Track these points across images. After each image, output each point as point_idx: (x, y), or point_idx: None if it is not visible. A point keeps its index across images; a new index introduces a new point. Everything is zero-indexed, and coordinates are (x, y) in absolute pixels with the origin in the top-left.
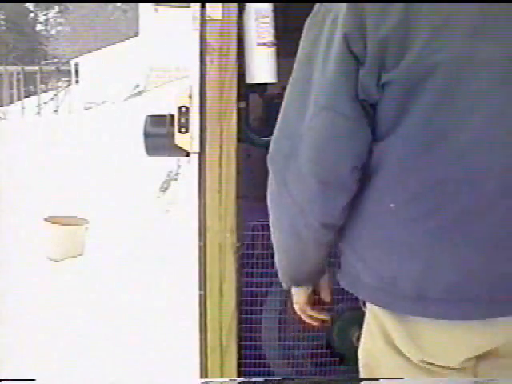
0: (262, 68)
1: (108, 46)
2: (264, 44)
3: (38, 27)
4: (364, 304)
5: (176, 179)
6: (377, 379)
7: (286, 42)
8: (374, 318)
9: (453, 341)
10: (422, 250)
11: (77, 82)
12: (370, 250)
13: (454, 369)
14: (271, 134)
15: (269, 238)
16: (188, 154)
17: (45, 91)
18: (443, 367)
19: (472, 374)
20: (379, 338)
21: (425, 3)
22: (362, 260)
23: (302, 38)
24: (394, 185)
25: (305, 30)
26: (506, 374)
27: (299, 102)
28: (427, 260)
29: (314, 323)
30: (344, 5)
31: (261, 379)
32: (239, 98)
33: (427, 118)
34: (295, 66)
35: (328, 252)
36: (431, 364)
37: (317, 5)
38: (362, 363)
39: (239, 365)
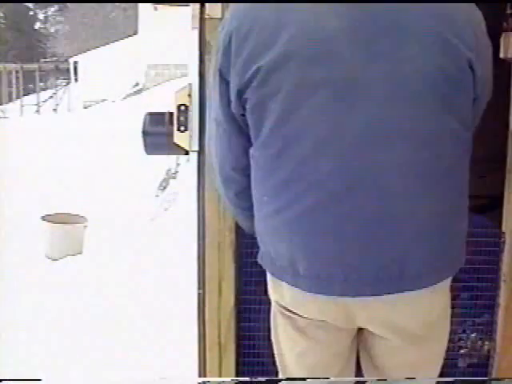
0: None
1: (107, 44)
2: None
3: (37, 25)
4: None
5: (175, 178)
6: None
7: None
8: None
9: (299, 303)
10: (286, 234)
11: (76, 80)
12: (260, 231)
13: (312, 319)
14: None
15: None
16: (187, 153)
17: (44, 89)
18: (301, 316)
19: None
20: (273, 300)
21: (266, 40)
22: (259, 237)
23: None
24: (261, 182)
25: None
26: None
27: (210, 105)
28: (291, 243)
29: None
30: (222, 39)
31: (260, 379)
32: None
33: (274, 131)
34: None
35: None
36: (290, 311)
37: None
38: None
39: (237, 363)
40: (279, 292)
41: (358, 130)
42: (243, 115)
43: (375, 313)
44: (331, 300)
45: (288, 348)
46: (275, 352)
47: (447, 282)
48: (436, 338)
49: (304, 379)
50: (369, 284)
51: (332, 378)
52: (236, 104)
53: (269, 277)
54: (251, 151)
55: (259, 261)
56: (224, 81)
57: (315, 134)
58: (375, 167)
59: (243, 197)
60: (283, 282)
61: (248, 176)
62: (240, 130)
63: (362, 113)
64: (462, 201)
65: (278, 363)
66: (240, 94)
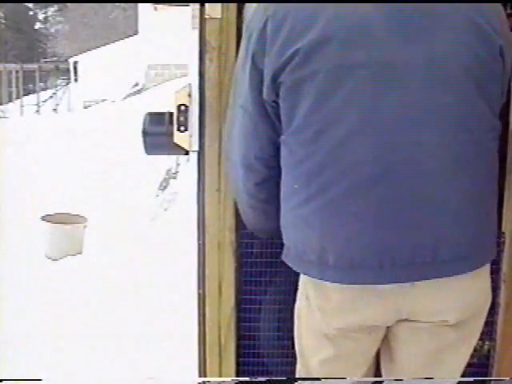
0: None
1: (107, 44)
2: None
3: (37, 25)
4: None
5: (175, 178)
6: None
7: None
8: (301, 281)
9: (348, 303)
10: (317, 223)
11: (76, 80)
12: (287, 224)
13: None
14: None
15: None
16: (187, 153)
17: (44, 89)
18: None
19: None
20: (302, 299)
21: (304, 22)
22: (285, 232)
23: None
24: (293, 169)
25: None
26: (418, 336)
27: (235, 92)
28: (322, 231)
29: None
30: (256, 26)
31: (260, 379)
32: None
33: (310, 114)
34: (238, 60)
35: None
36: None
37: (246, 18)
38: (295, 316)
39: (238, 364)
40: (324, 295)
41: (393, 113)
42: (274, 101)
43: (419, 301)
44: (378, 294)
45: (312, 352)
46: (297, 353)
47: (487, 268)
48: (474, 324)
49: (319, 379)
50: (404, 270)
51: (348, 379)
52: (269, 89)
53: (308, 280)
54: (283, 137)
55: (284, 258)
56: (256, 67)
57: (351, 117)
58: (411, 150)
59: (261, 189)
60: (331, 285)
61: (269, 167)
62: (267, 118)
63: (398, 96)
64: (494, 187)
65: (298, 363)
66: (275, 78)
